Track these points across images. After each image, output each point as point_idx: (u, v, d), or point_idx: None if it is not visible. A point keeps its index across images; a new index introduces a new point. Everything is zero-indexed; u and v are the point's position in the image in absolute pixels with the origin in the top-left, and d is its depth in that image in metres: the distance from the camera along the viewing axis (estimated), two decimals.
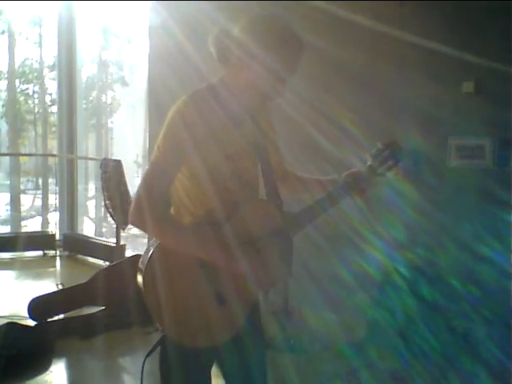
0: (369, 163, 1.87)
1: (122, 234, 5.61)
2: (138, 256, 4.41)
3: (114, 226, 5.75)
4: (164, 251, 1.51)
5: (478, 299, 2.82)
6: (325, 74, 3.50)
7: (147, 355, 1.55)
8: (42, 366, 3.30)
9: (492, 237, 2.87)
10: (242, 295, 1.58)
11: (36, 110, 23.07)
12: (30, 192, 23.01)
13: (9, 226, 18.50)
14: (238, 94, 1.62)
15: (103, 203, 5.75)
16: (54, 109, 20.88)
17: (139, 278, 1.52)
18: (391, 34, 3.26)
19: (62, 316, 3.99)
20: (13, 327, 3.44)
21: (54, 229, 6.99)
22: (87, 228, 12.19)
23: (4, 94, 22.35)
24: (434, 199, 3.13)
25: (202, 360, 1.60)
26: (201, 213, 1.59)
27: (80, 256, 6.22)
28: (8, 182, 20.90)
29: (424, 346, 2.84)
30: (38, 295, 3.95)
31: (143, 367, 1.59)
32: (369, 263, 2.39)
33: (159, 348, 1.60)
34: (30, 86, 22.70)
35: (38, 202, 21.61)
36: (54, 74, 20.16)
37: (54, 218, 7.26)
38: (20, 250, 6.18)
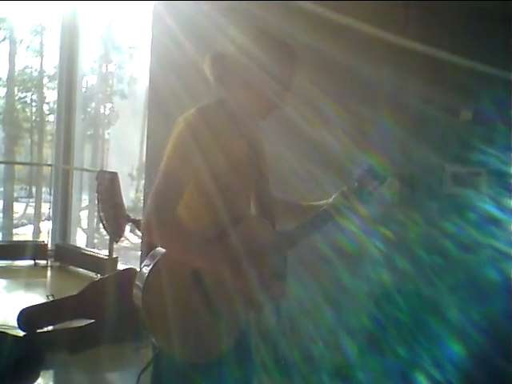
0: (356, 185, 1.90)
1: (114, 246, 5.57)
2: (130, 269, 4.37)
3: (106, 237, 5.72)
4: (161, 269, 1.52)
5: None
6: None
7: (141, 372, 1.54)
8: (30, 377, 3.26)
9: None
10: (235, 311, 1.59)
11: (33, 119, 23.06)
12: (23, 200, 22.90)
13: (0, 234, 18.39)
14: (247, 108, 1.68)
15: (97, 214, 5.71)
16: (51, 118, 20.92)
17: (137, 296, 1.52)
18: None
19: (51, 328, 3.94)
20: (1, 337, 3.40)
21: (45, 238, 6.93)
22: (79, 239, 12.13)
23: (2, 101, 22.37)
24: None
25: (195, 376, 1.59)
26: (200, 226, 1.61)
27: (71, 267, 6.15)
28: (2, 190, 20.80)
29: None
30: (27, 305, 3.89)
31: None
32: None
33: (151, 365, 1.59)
34: (29, 94, 22.71)
35: (30, 211, 21.52)
36: (53, 83, 20.24)
37: (45, 227, 7.21)
38: (11, 259, 6.12)
